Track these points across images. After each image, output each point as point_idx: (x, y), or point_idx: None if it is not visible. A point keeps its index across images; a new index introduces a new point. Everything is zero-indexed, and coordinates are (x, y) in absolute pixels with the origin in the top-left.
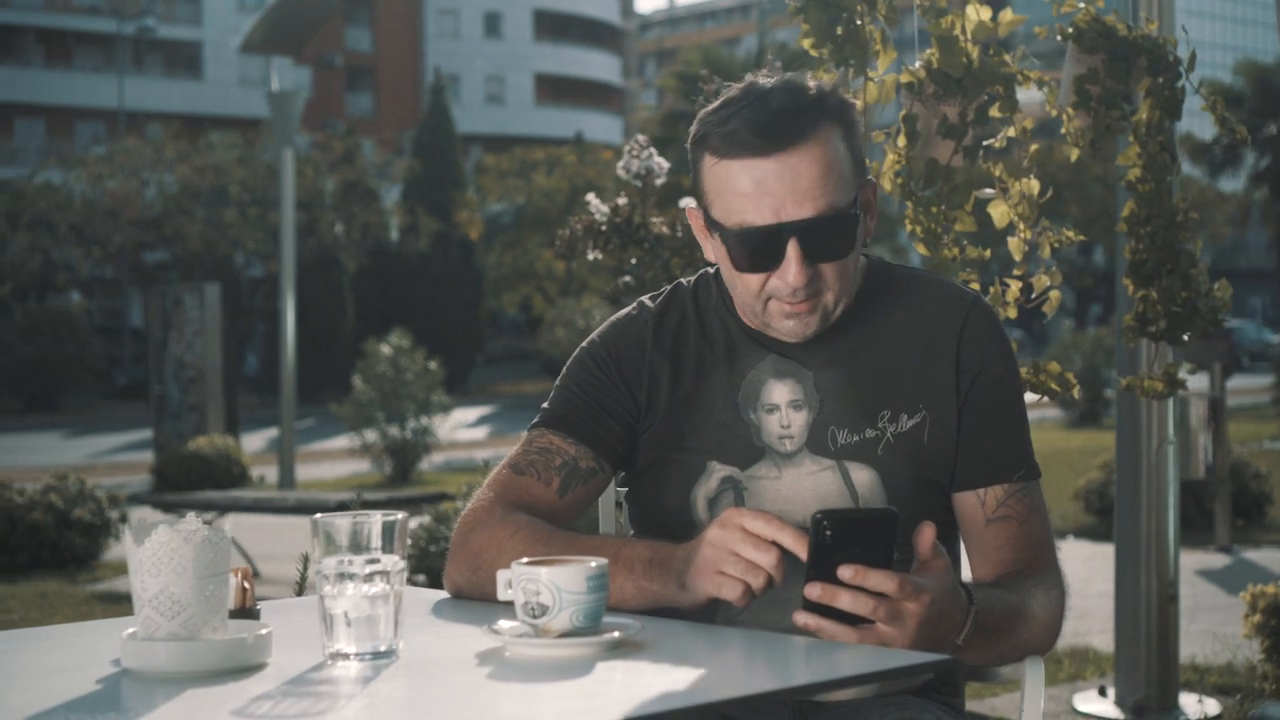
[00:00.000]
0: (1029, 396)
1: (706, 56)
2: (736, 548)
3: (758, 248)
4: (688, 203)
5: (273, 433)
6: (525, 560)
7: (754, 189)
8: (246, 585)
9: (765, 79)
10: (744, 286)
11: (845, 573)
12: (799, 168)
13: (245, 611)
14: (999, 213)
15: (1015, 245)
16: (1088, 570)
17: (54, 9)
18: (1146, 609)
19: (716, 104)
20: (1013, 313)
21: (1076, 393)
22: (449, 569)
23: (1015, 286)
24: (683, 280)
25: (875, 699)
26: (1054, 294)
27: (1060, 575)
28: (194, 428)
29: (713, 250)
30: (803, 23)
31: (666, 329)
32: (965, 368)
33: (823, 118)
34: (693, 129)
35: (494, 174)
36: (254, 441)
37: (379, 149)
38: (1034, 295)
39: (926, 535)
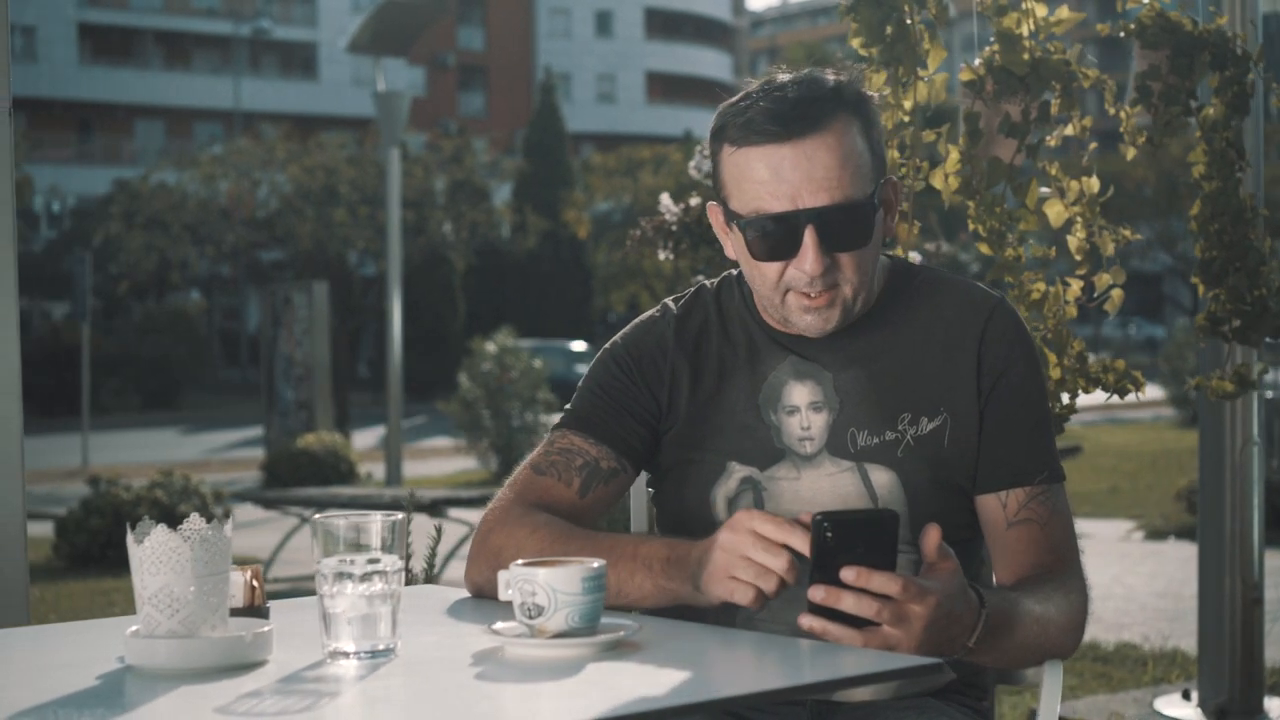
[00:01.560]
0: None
1: (810, 54)
2: (747, 551)
3: (775, 235)
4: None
5: (384, 430)
6: (522, 561)
7: (771, 176)
8: (255, 583)
9: (785, 73)
10: (762, 277)
11: (848, 575)
12: (815, 155)
13: (254, 609)
14: (1054, 212)
15: (1075, 244)
16: (1184, 572)
17: (172, 11)
18: (1230, 612)
19: (736, 97)
20: (1073, 312)
21: (1144, 391)
22: (469, 568)
23: (1076, 285)
24: (706, 282)
25: (893, 701)
26: (1116, 293)
27: (1082, 579)
28: (303, 425)
29: (732, 246)
30: (852, 22)
31: (689, 330)
32: (987, 370)
33: (840, 109)
34: (712, 122)
35: (601, 173)
36: (366, 439)
37: (490, 148)
38: (1095, 294)
39: (931, 538)
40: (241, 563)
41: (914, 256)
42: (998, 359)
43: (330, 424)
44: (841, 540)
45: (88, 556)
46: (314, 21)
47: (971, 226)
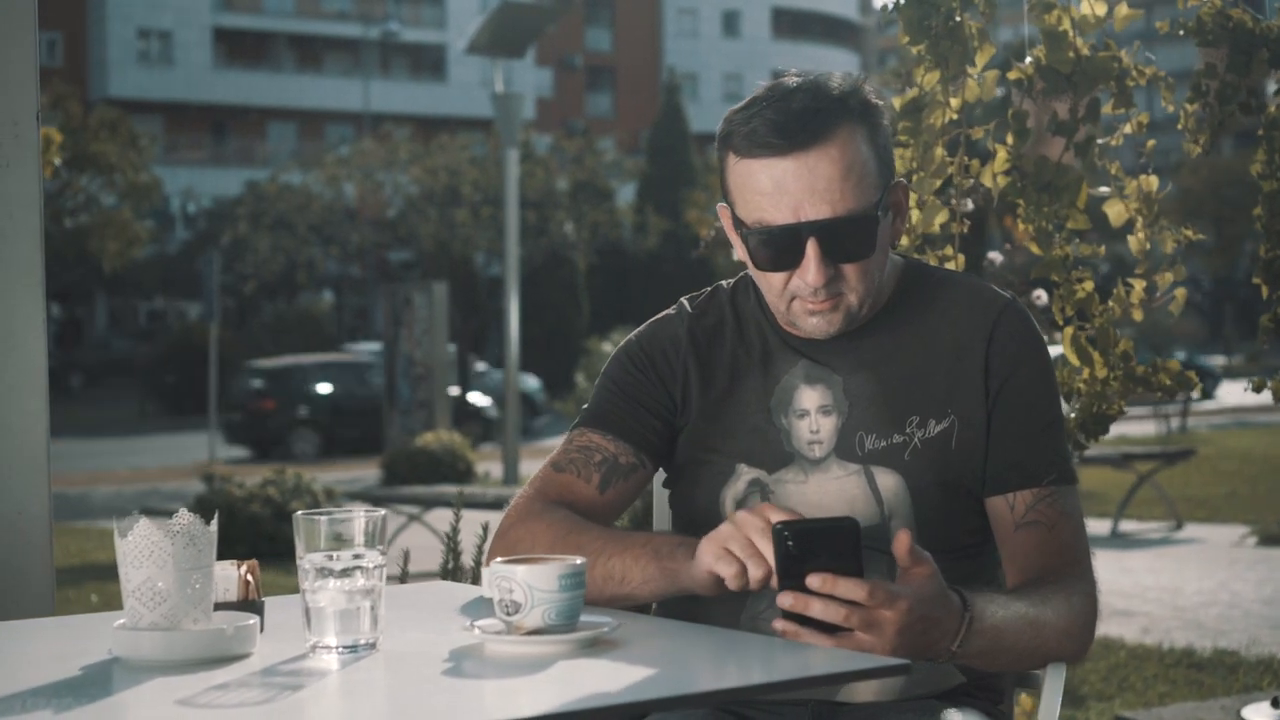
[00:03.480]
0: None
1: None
2: (752, 534)
3: (778, 247)
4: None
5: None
6: (502, 559)
7: (773, 188)
8: (250, 578)
9: (793, 78)
10: (768, 285)
11: (814, 581)
12: (817, 168)
13: (248, 604)
14: (1114, 211)
15: (1135, 243)
16: None
17: (305, 15)
18: None
19: (743, 103)
20: (1138, 315)
21: (1199, 390)
22: (487, 563)
23: (1139, 286)
24: (723, 283)
25: (897, 703)
26: (1179, 292)
27: (1090, 583)
28: (422, 424)
29: (740, 251)
30: (899, 19)
31: (703, 329)
32: (994, 372)
33: (844, 118)
34: (719, 127)
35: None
36: None
37: (616, 148)
38: (1159, 293)
39: (902, 542)
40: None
41: (994, 256)
42: (1006, 360)
43: (449, 423)
44: (803, 549)
45: None
46: (443, 24)
47: (1021, 226)
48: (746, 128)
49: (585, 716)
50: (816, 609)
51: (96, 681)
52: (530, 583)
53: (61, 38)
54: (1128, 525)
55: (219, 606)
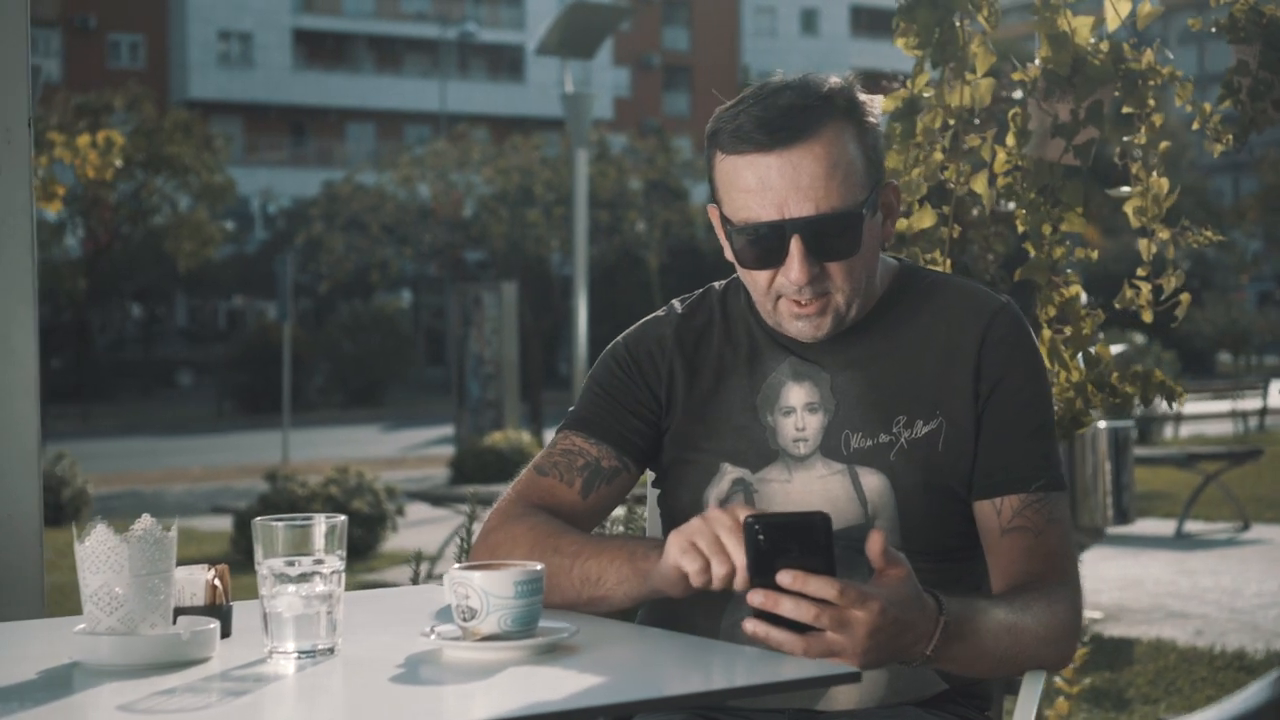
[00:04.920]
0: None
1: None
2: (719, 530)
3: (762, 244)
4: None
5: None
6: (459, 565)
7: (758, 185)
8: (217, 583)
9: (783, 77)
10: (754, 283)
11: (784, 578)
12: (801, 164)
13: (214, 609)
14: (1134, 209)
15: (1145, 246)
16: None
17: (384, 16)
18: None
19: (732, 102)
20: (1148, 316)
21: (1183, 400)
22: None
23: (1145, 289)
24: (715, 284)
25: (876, 710)
26: (1184, 296)
27: (1074, 590)
28: (491, 423)
29: (729, 249)
30: (903, 23)
31: (690, 329)
32: (985, 375)
33: (830, 115)
34: (708, 126)
35: None
36: None
37: (694, 147)
38: (1164, 297)
39: (875, 543)
40: (409, 559)
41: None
42: (996, 363)
43: (518, 422)
44: (774, 543)
45: None
46: (521, 24)
47: (1020, 228)
48: (733, 125)
49: None
50: (787, 607)
51: (46, 686)
52: (486, 589)
53: (144, 40)
54: (1193, 526)
55: (186, 611)
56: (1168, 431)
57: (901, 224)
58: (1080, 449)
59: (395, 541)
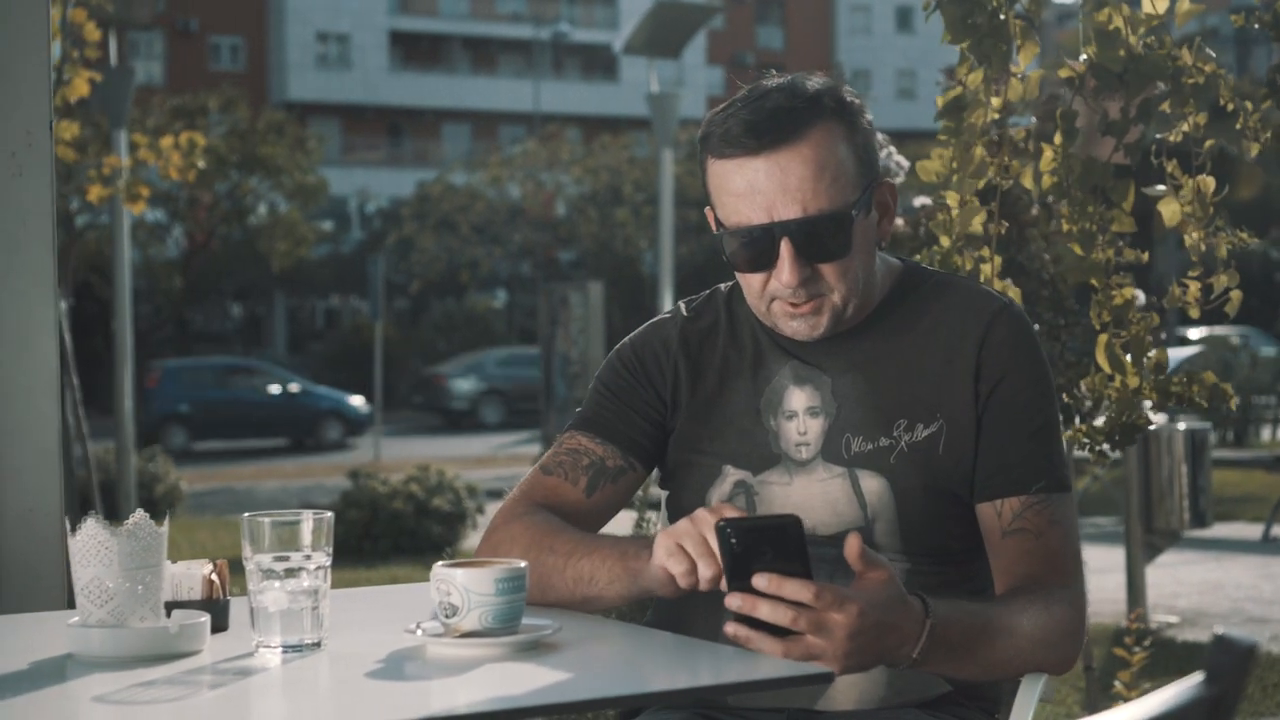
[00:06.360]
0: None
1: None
2: (706, 531)
3: (753, 247)
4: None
5: None
6: (442, 563)
7: (746, 188)
8: (215, 578)
9: (772, 79)
10: (748, 286)
11: (760, 582)
12: (789, 167)
13: (210, 603)
14: (1169, 211)
15: (1190, 244)
16: None
17: (479, 17)
18: None
19: (722, 105)
20: (1195, 313)
21: (1234, 404)
22: None
23: (1194, 287)
24: (721, 286)
25: (877, 712)
26: (1235, 294)
27: (1076, 593)
28: None
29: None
30: (941, 16)
31: (695, 331)
32: (985, 377)
33: (817, 117)
34: (700, 129)
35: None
36: None
37: None
38: (1213, 296)
39: (852, 546)
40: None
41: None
42: (997, 365)
43: None
44: (747, 546)
45: (345, 547)
46: (614, 24)
47: (1065, 228)
48: (722, 129)
49: (501, 717)
50: (764, 611)
51: (32, 677)
52: (467, 586)
53: (243, 42)
54: None
55: (181, 605)
56: (1265, 434)
57: (954, 217)
58: (1156, 452)
59: (475, 539)
